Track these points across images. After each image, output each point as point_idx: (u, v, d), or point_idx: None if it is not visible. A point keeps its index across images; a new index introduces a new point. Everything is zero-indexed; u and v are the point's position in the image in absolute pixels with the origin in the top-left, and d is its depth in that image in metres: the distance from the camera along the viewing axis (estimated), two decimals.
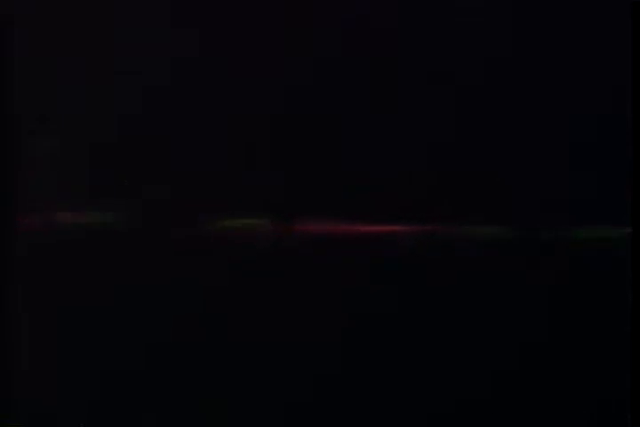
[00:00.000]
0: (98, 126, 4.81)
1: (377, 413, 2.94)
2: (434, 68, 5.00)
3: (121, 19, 4.46)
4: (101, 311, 3.33)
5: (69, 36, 4.38)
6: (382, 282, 3.23)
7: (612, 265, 3.76)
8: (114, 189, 3.56)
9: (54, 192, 4.33)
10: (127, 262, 3.37)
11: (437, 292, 3.25)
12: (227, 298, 3.20)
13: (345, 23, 3.95)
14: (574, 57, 4.58)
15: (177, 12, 4.71)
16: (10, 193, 4.58)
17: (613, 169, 4.39)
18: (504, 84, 4.80)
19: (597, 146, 4.68)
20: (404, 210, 3.35)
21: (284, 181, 3.61)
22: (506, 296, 3.65)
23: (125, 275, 3.45)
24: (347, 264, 3.24)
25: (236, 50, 3.86)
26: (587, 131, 4.64)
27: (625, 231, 3.51)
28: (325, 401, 3.01)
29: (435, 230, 3.57)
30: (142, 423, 2.76)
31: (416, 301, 3.24)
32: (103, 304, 3.37)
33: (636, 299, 2.88)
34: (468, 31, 5.03)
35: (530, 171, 5.03)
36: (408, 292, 3.33)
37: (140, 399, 2.88)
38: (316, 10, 3.98)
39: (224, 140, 3.57)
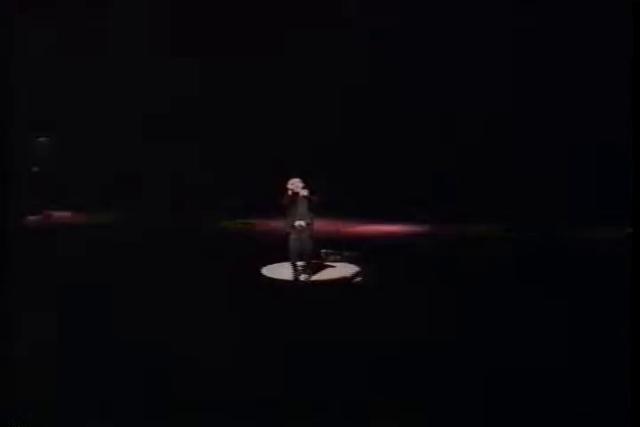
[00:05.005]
0: None
1: None
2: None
3: None
4: None
5: None
6: None
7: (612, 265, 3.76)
8: None
9: None
10: None
11: None
12: None
13: None
14: (575, 57, 4.59)
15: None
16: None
17: (614, 172, 4.36)
18: (503, 87, 4.80)
19: (596, 145, 4.67)
20: None
21: None
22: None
23: None
24: None
25: None
26: (586, 129, 4.63)
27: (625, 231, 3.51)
28: None
29: None
30: None
31: None
32: None
33: (635, 298, 2.89)
34: (468, 35, 5.00)
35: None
36: None
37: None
38: None
39: None
